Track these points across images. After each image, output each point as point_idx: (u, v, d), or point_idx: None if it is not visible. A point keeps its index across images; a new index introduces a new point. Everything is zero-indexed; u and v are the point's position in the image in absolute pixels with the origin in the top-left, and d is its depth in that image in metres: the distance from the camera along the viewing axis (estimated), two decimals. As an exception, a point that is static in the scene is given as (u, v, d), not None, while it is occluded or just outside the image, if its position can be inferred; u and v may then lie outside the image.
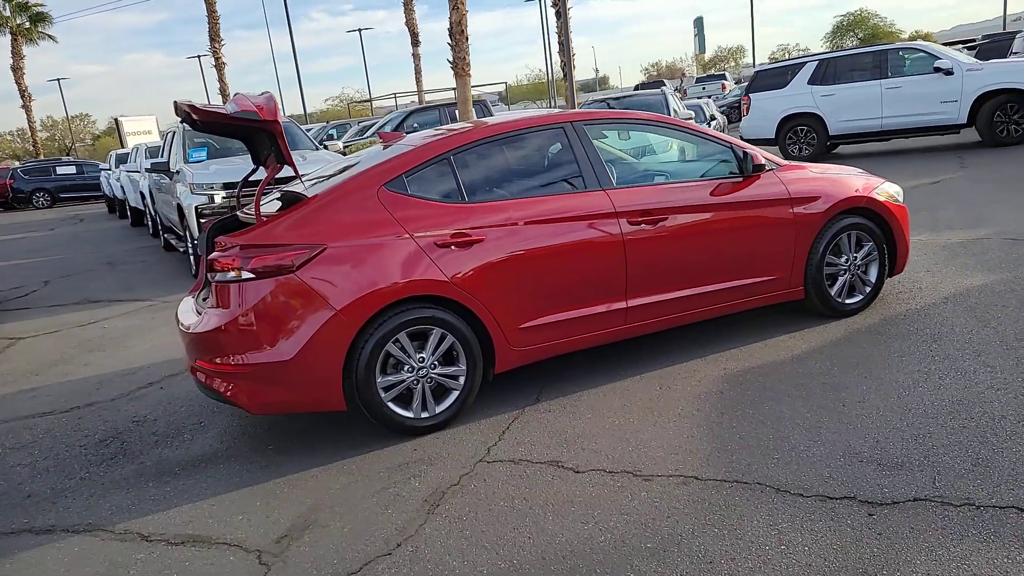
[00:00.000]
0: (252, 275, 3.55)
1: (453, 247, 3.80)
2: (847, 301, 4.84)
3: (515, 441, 3.66)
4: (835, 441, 3.27)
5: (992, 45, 19.85)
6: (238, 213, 4.57)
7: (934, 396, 3.58)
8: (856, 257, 4.82)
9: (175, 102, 4.01)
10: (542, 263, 3.99)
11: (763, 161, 4.53)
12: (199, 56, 46.06)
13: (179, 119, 4.24)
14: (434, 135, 4.31)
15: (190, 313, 4.20)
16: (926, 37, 43.13)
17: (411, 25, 30.32)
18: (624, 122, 4.58)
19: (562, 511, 2.98)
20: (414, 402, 3.81)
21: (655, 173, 4.67)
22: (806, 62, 13.87)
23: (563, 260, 4.03)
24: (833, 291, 4.78)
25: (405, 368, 3.77)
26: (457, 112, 13.87)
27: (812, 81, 13.50)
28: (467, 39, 13.50)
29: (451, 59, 13.70)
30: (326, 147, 11.08)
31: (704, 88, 35.22)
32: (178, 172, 9.61)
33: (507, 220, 3.94)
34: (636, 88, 32.46)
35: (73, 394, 5.24)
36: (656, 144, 4.91)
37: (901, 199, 5.02)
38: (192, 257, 9.13)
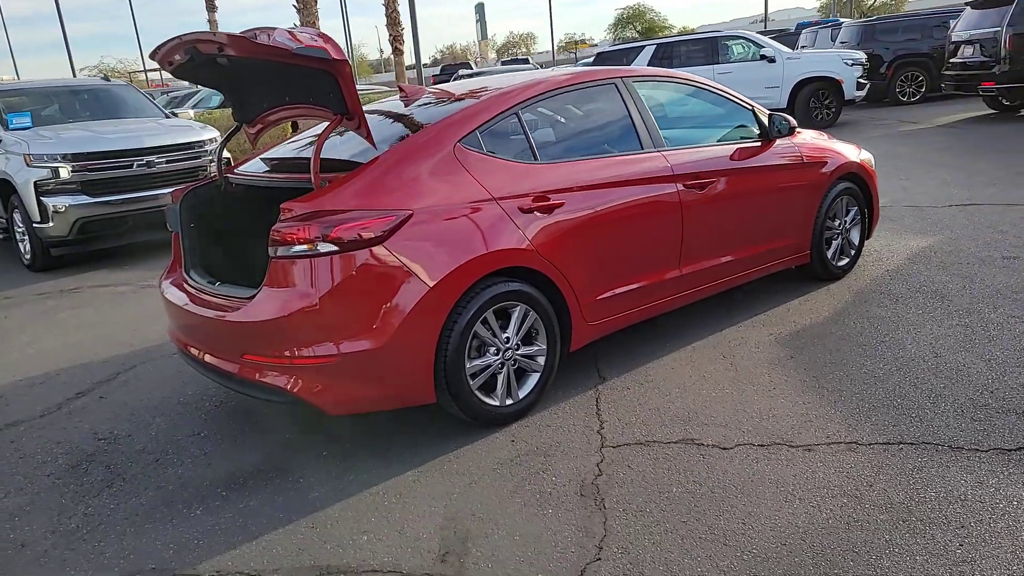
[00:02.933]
0: (334, 247, 2.92)
1: (535, 212, 3.40)
2: (839, 264, 5.02)
3: (621, 422, 3.36)
4: (954, 395, 3.31)
5: (777, 40, 21.92)
6: (228, 176, 3.81)
7: (997, 347, 3.75)
8: (846, 221, 5.01)
9: (184, 34, 3.18)
10: (616, 229, 3.69)
11: (796, 123, 4.54)
12: None
13: (175, 57, 3.36)
14: (482, 88, 3.83)
15: (186, 297, 3.45)
16: (691, 32, 47.18)
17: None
18: (667, 81, 4.36)
19: (750, 491, 2.74)
20: (498, 388, 3.38)
21: (687, 135, 4.50)
22: (645, 46, 14.47)
23: (634, 226, 3.77)
24: (829, 254, 4.93)
25: (491, 350, 3.33)
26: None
27: (651, 63, 14.07)
28: (316, 2, 12.44)
29: (297, 25, 12.59)
30: (175, 115, 9.72)
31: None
32: (-3, 141, 7.96)
33: (582, 182, 3.59)
34: (441, 70, 32.26)
35: (-29, 413, 4.11)
36: (669, 105, 4.72)
37: (873, 165, 5.28)
38: (29, 242, 7.60)
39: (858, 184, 5.03)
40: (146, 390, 4.24)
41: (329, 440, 3.43)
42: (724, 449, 3.06)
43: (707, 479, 2.85)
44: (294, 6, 12.71)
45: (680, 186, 3.94)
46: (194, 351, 3.45)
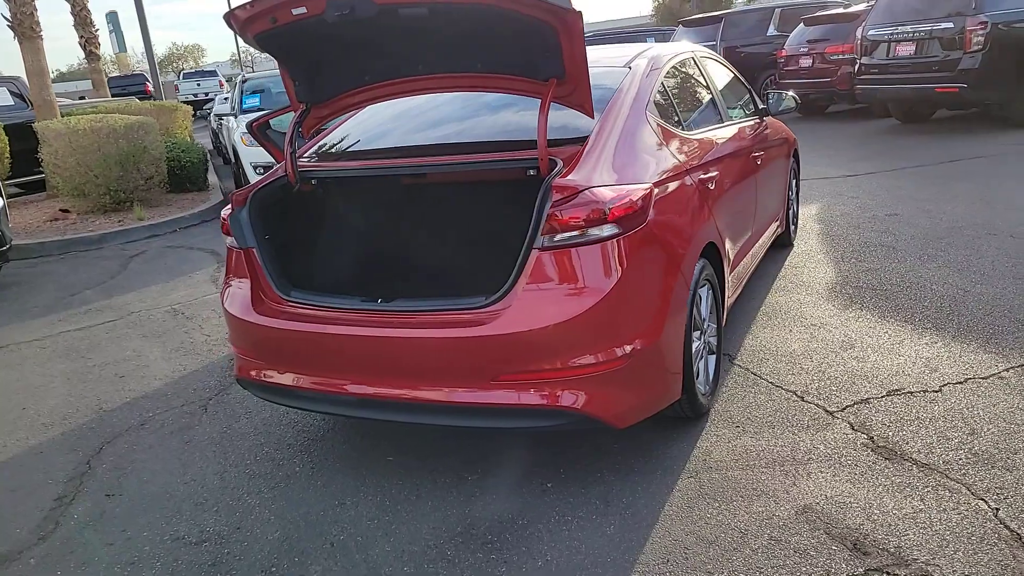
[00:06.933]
0: (617, 229, 2.44)
1: (708, 184, 3.19)
2: (791, 230, 5.46)
3: (812, 390, 3.27)
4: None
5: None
6: (306, 171, 3.06)
7: (996, 279, 4.28)
8: (793, 192, 5.46)
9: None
10: (736, 200, 3.62)
11: (799, 101, 4.80)
12: None
13: (299, 10, 2.52)
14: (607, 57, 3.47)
15: (323, 324, 2.67)
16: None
17: None
18: (710, 59, 4.30)
19: (1016, 419, 2.87)
20: (701, 375, 3.10)
21: (730, 111, 4.49)
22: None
23: (742, 196, 3.72)
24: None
25: (696, 334, 3.05)
26: (30, 87, 10.15)
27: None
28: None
29: (9, 16, 9.93)
30: None
31: (199, 84, 31.50)
32: None
33: (719, 154, 3.46)
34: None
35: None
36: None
37: (794, 142, 5.80)
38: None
39: (796, 158, 5.51)
40: (169, 472, 3.16)
41: (529, 469, 2.86)
42: (937, 392, 3.15)
43: (963, 419, 2.91)
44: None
45: (750, 156, 3.98)
46: (359, 390, 2.65)
